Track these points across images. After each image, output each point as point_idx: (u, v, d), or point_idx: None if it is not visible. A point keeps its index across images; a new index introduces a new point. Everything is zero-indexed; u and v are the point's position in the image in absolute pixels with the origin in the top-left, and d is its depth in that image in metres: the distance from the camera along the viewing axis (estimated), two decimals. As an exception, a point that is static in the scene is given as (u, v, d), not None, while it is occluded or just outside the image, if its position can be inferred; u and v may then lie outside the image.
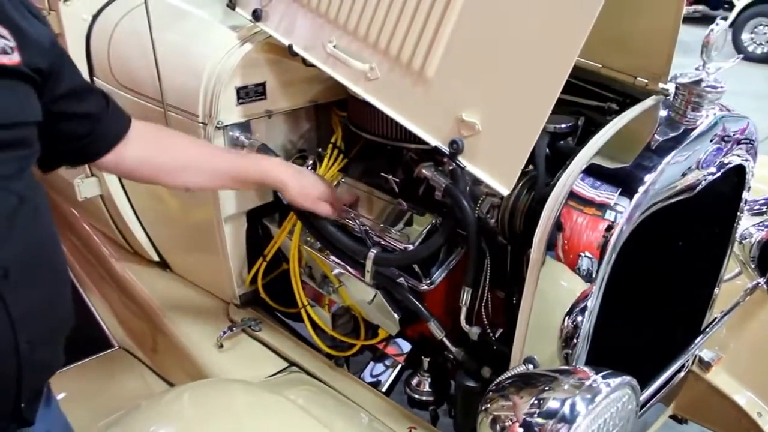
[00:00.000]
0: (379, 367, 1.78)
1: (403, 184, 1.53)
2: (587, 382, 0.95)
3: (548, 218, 1.10)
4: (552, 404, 0.94)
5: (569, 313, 1.12)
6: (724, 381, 1.72)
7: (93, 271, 2.32)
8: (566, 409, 0.92)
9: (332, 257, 1.53)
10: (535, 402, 0.97)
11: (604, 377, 0.96)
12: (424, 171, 1.35)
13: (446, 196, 1.30)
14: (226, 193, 1.67)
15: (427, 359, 1.56)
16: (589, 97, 1.44)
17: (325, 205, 1.45)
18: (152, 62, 1.61)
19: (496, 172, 1.10)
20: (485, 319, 1.37)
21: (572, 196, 1.09)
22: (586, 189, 1.09)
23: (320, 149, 1.71)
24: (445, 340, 1.39)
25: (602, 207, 1.07)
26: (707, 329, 1.59)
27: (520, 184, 1.24)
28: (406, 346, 1.69)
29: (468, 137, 1.12)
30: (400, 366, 1.68)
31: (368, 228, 1.47)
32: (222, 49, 1.58)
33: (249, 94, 1.61)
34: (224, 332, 1.71)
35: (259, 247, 1.77)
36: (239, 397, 1.33)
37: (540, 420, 0.94)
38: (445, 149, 1.15)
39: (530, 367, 1.18)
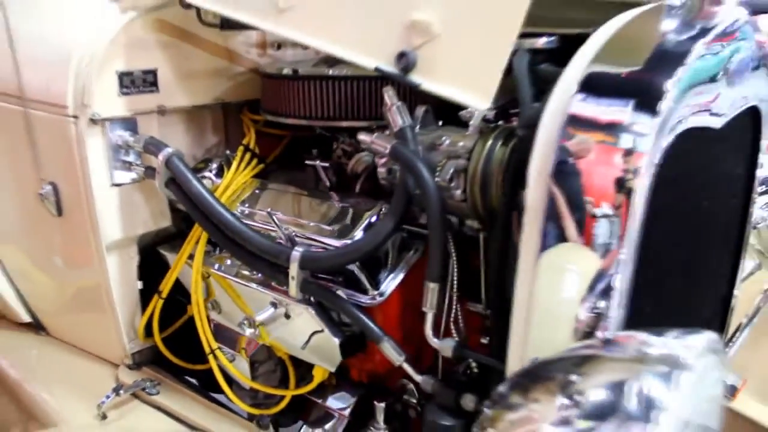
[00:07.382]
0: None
1: (339, 181, 1.20)
2: (655, 350, 0.58)
3: (544, 157, 0.75)
4: (598, 394, 0.57)
5: (587, 298, 0.75)
6: (756, 409, 1.36)
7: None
8: (636, 398, 0.55)
9: (245, 282, 1.16)
10: (566, 402, 0.60)
11: (677, 337, 0.60)
12: (362, 137, 1.02)
13: (391, 166, 0.97)
14: (108, 213, 1.28)
15: (382, 404, 1.15)
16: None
17: None
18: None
19: (466, 82, 0.77)
20: (456, 335, 1.01)
21: (573, 121, 0.75)
22: (589, 107, 0.76)
23: (228, 152, 1.36)
24: (405, 365, 1.01)
25: (614, 129, 0.74)
26: (729, 344, 1.26)
27: (492, 137, 0.91)
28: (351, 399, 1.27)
29: (422, 46, 0.80)
30: (346, 422, 1.26)
31: (292, 230, 1.10)
32: (96, 18, 1.25)
33: (135, 83, 1.27)
34: (107, 397, 1.27)
35: (157, 287, 1.36)
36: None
37: (585, 425, 0.56)
38: (391, 70, 0.83)
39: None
